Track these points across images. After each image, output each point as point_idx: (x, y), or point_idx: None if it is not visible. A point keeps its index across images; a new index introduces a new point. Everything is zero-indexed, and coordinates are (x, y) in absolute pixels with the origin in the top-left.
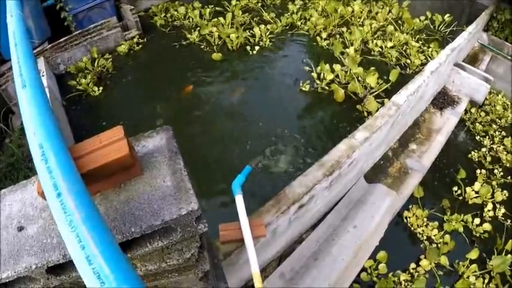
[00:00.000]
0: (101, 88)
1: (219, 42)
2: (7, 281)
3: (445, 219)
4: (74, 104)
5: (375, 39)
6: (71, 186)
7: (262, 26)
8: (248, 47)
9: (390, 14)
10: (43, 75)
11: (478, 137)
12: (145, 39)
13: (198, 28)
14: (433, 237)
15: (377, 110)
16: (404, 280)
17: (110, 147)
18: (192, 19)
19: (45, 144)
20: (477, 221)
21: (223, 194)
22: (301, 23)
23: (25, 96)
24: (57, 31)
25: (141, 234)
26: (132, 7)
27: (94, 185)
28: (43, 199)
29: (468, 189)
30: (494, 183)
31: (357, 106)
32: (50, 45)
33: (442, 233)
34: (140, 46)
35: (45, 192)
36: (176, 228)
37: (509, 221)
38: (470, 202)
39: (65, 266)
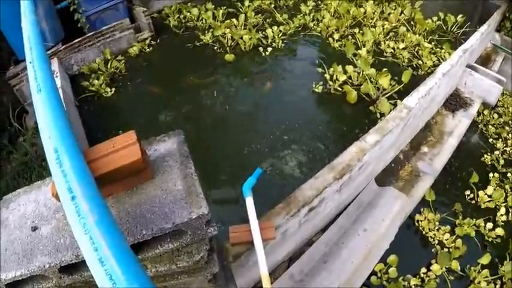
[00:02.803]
0: (113, 89)
1: (232, 44)
2: (20, 279)
3: (457, 223)
4: (87, 105)
5: (387, 40)
6: (85, 190)
7: (275, 27)
8: (261, 48)
9: (402, 15)
10: (57, 76)
11: (491, 139)
12: (158, 41)
13: (212, 29)
14: (444, 241)
15: (390, 111)
16: (414, 285)
17: (122, 151)
18: (205, 20)
19: (60, 148)
20: (489, 225)
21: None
22: (314, 25)
23: (40, 100)
24: (71, 32)
25: (152, 236)
26: (145, 9)
27: (107, 188)
28: (57, 201)
29: (481, 193)
30: (507, 187)
31: (370, 107)
32: (63, 47)
33: (454, 237)
34: (152, 48)
35: (59, 195)
36: (186, 232)
37: None
38: (482, 206)
39: (78, 266)
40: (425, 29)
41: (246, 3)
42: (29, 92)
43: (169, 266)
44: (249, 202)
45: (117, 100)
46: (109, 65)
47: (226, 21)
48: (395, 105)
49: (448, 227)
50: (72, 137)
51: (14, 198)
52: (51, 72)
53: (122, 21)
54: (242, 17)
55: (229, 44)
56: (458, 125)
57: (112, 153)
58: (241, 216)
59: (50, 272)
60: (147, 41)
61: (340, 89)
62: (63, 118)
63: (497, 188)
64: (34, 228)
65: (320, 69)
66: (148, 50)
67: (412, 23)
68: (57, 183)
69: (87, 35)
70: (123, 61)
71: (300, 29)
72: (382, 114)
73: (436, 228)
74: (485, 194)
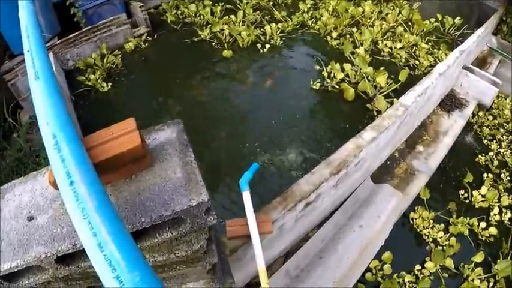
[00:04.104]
0: (109, 84)
1: (230, 40)
2: (16, 270)
3: (451, 221)
4: (82, 100)
5: (384, 39)
6: (84, 174)
7: (273, 25)
8: (259, 45)
9: (400, 15)
10: None
11: (485, 140)
12: (154, 36)
13: (210, 25)
14: (438, 239)
15: (386, 109)
16: (409, 281)
17: (122, 138)
18: (203, 16)
19: (58, 134)
20: (483, 224)
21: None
22: (312, 22)
23: (38, 87)
24: (67, 27)
25: (151, 224)
26: (142, 4)
27: (105, 176)
28: (54, 189)
29: (475, 192)
30: (501, 187)
31: (367, 105)
32: (59, 41)
33: (448, 235)
34: (148, 43)
35: (57, 180)
36: (186, 220)
37: None
38: (476, 206)
39: (75, 256)
40: (423, 29)
41: (245, 0)
42: (23, 87)
43: (168, 256)
44: (246, 196)
45: (113, 95)
46: (105, 60)
47: (224, 18)
48: (392, 103)
49: (442, 225)
50: (71, 123)
51: (9, 189)
52: (48, 60)
53: (119, 16)
54: (240, 13)
55: (227, 40)
56: (453, 125)
57: (111, 140)
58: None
59: (46, 263)
60: (143, 37)
61: (338, 87)
62: (61, 104)
63: (491, 188)
64: (30, 218)
65: (318, 67)
66: (144, 45)
67: (409, 23)
68: (55, 168)
69: (83, 30)
70: (119, 56)
71: (298, 26)
72: (379, 112)
73: (431, 226)
74: (479, 193)
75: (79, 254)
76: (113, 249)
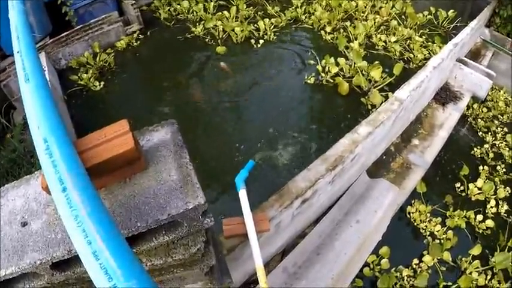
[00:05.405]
0: (102, 83)
1: (224, 36)
2: (11, 277)
3: (448, 215)
4: (75, 99)
5: (378, 33)
6: (76, 180)
7: (267, 20)
8: (252, 41)
9: (394, 8)
10: (44, 70)
11: (480, 133)
12: (147, 34)
13: (203, 22)
14: (436, 232)
15: (381, 103)
16: (406, 275)
17: (114, 141)
18: (196, 13)
19: (49, 138)
20: (480, 217)
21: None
22: (306, 17)
23: (28, 90)
24: (59, 26)
25: (147, 229)
26: (134, 1)
27: (99, 180)
28: (47, 194)
29: (471, 185)
30: (497, 179)
31: (361, 99)
32: (51, 40)
33: (445, 228)
34: (140, 41)
35: (49, 186)
36: (182, 223)
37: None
38: (473, 198)
39: (70, 262)
40: (417, 23)
41: None
42: (16, 87)
43: (165, 259)
44: (242, 194)
45: (106, 94)
46: (98, 58)
47: (217, 14)
48: (386, 97)
49: (439, 219)
50: (62, 126)
51: (2, 194)
52: (39, 62)
53: (111, 14)
54: (233, 9)
55: (220, 36)
56: (448, 118)
57: (104, 143)
58: None
59: (41, 269)
60: (136, 35)
61: (332, 81)
62: (52, 107)
63: (487, 180)
64: (24, 224)
65: (312, 61)
66: (136, 43)
67: (403, 17)
68: (47, 174)
69: (75, 29)
70: (112, 54)
71: (291, 21)
72: (374, 106)
73: (428, 219)
74: (475, 186)
75: (74, 260)
76: (109, 257)
